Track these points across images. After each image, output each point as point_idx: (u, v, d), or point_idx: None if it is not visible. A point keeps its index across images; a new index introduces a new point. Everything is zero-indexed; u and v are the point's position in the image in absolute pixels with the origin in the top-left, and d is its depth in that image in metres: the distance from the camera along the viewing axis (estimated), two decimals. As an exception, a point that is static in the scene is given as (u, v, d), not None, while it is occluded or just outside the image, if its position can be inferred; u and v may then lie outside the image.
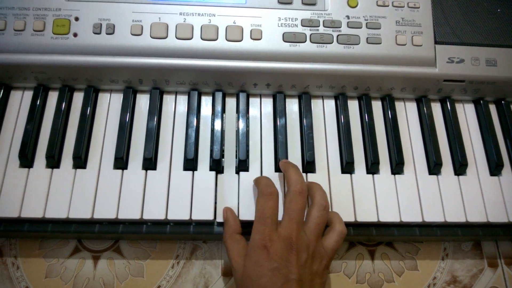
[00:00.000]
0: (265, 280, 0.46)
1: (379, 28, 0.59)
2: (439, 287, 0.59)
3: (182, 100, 0.61)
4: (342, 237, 0.51)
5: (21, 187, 0.54)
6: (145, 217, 0.53)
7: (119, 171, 0.55)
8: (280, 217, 0.51)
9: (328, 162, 0.58)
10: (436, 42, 0.60)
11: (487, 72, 0.61)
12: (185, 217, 0.53)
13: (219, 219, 0.54)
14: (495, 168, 0.59)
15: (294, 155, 0.58)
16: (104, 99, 0.60)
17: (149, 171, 0.56)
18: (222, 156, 0.57)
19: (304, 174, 0.57)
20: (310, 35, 0.59)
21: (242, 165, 0.56)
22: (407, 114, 0.63)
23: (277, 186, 0.56)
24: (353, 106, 0.63)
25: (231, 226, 0.52)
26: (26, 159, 0.55)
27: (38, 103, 0.58)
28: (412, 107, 0.63)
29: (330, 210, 0.55)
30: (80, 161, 0.55)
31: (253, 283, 0.46)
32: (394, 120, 0.61)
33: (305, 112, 0.60)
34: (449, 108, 0.63)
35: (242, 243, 0.51)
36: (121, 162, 0.55)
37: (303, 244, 0.48)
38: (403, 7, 0.61)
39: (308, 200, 0.54)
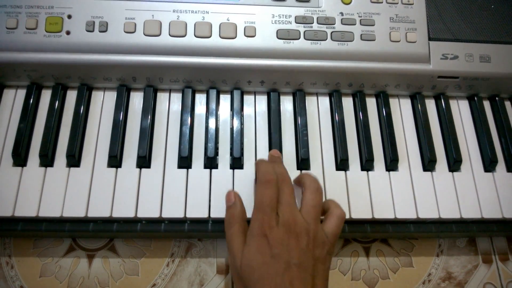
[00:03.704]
0: (266, 268, 0.45)
1: (373, 25, 0.59)
2: (434, 283, 0.59)
3: (176, 98, 0.61)
4: (341, 220, 0.50)
5: (15, 186, 0.53)
6: (140, 215, 0.53)
7: (113, 169, 0.55)
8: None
9: (323, 159, 0.58)
10: (430, 39, 0.60)
11: (481, 69, 0.61)
12: (180, 215, 0.53)
13: (214, 216, 0.54)
14: (489, 164, 0.60)
15: (289, 152, 0.58)
16: (97, 97, 0.60)
17: (143, 169, 0.55)
18: (217, 153, 0.57)
19: (298, 172, 0.57)
20: (304, 32, 0.58)
21: (237, 163, 0.56)
22: (402, 111, 0.63)
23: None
24: (348, 103, 0.63)
25: (241, 212, 0.51)
26: (20, 157, 0.54)
27: (31, 101, 0.58)
28: (406, 103, 0.63)
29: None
30: (73, 160, 0.55)
31: (254, 272, 0.45)
32: (389, 116, 0.61)
33: (299, 110, 0.60)
34: (443, 104, 0.63)
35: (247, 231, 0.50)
36: (115, 160, 0.55)
37: (302, 227, 0.47)
38: (397, 3, 0.61)
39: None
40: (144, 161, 0.55)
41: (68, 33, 0.56)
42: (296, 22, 0.59)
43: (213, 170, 0.56)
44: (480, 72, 0.61)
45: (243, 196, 0.54)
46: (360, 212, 0.55)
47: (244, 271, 0.47)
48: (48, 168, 0.55)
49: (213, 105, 0.60)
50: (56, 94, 0.59)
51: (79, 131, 0.56)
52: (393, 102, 0.63)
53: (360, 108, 0.61)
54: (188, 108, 0.59)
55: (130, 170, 0.55)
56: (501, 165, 0.60)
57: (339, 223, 0.50)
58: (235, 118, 0.59)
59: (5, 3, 0.56)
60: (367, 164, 0.58)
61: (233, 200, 0.52)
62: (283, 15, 0.59)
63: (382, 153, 0.60)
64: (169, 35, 0.57)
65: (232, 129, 0.59)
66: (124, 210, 0.53)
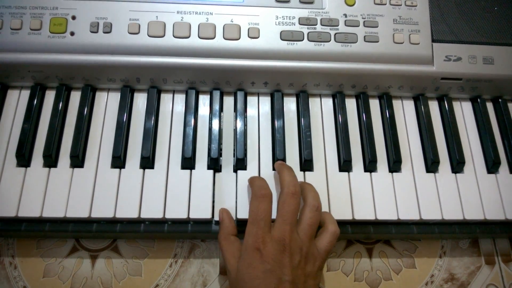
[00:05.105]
0: (258, 282, 0.46)
1: (377, 27, 0.60)
2: (437, 284, 0.59)
3: (180, 99, 0.61)
4: (335, 237, 0.51)
5: (19, 186, 0.53)
6: (143, 216, 0.53)
7: (117, 170, 0.55)
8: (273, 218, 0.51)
9: (326, 160, 0.58)
10: (433, 40, 0.61)
11: (484, 70, 0.61)
12: (183, 216, 0.53)
13: (217, 217, 0.54)
14: (492, 165, 0.60)
15: (292, 154, 0.58)
16: (101, 98, 0.60)
17: (146, 170, 0.56)
18: (220, 154, 0.57)
19: (302, 173, 0.57)
20: (308, 33, 0.59)
21: (240, 164, 0.56)
22: (405, 112, 0.63)
23: (274, 185, 0.56)
24: (351, 104, 0.63)
25: (227, 227, 0.52)
26: (23, 158, 0.55)
27: (35, 102, 0.58)
28: (409, 105, 0.64)
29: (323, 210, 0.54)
30: (77, 160, 0.55)
31: (246, 285, 0.46)
32: (392, 118, 0.61)
33: (303, 111, 0.60)
34: (446, 106, 0.63)
35: (237, 244, 0.51)
36: (118, 161, 0.55)
37: (296, 245, 0.48)
38: (401, 5, 0.61)
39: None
40: (147, 162, 0.55)
41: (72, 34, 0.56)
42: (300, 24, 0.59)
43: (217, 171, 0.56)
44: (483, 74, 0.61)
45: (247, 196, 0.55)
46: (363, 213, 0.55)
47: (238, 284, 0.48)
48: (52, 169, 0.55)
49: (216, 106, 0.60)
50: (60, 95, 0.59)
51: (83, 132, 0.56)
52: (396, 103, 0.63)
53: (363, 109, 0.61)
54: (191, 109, 0.59)
55: (134, 170, 0.55)
56: (504, 167, 0.61)
57: (332, 240, 0.51)
58: (238, 119, 0.59)
59: (10, 4, 0.56)
60: (370, 165, 0.58)
61: (221, 217, 0.53)
62: (286, 16, 0.59)
63: (385, 154, 0.60)
64: (173, 36, 0.57)
65: (235, 130, 0.59)
66: (127, 211, 0.53)
